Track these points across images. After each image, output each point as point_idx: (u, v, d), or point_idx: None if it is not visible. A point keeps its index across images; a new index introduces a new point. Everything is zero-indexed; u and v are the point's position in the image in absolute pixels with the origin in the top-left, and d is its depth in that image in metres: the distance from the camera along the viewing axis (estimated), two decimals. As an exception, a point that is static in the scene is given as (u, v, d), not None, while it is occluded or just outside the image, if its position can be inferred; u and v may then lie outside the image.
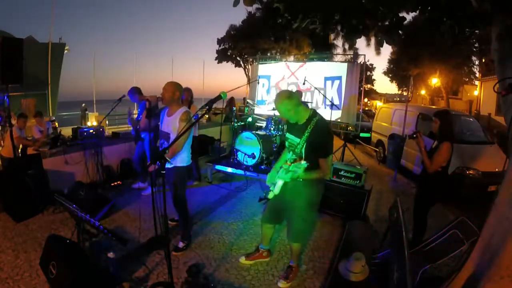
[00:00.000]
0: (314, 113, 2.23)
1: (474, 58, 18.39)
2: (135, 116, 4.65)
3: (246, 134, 4.80)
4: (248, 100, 7.70)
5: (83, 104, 14.33)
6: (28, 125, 5.09)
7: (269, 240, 2.77)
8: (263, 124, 5.87)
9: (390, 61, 23.19)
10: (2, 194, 3.53)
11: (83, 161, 4.40)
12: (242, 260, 2.76)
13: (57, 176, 4.03)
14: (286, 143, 2.40)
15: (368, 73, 27.61)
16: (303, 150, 2.17)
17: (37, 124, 5.25)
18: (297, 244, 2.49)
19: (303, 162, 1.98)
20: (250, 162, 4.68)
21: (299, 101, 2.20)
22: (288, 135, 2.37)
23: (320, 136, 2.13)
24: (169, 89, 2.73)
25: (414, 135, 2.92)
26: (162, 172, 1.92)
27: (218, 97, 2.13)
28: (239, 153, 4.82)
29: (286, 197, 2.33)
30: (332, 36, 9.40)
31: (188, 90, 4.41)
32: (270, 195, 2.25)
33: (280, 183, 2.16)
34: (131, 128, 4.52)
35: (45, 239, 2.48)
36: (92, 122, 12.94)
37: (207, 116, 9.27)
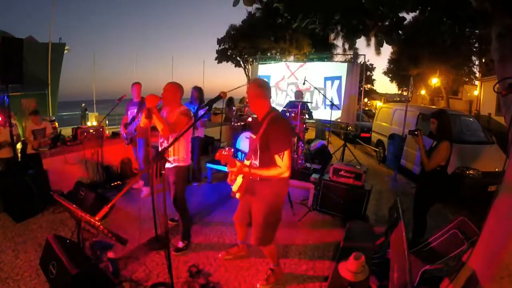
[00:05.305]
0: (272, 109, 2.18)
1: (474, 58, 18.38)
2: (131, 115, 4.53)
3: (246, 134, 4.79)
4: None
5: (83, 104, 14.31)
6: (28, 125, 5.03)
7: (246, 235, 2.70)
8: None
9: (390, 61, 23.17)
10: (2, 194, 3.54)
11: (83, 161, 4.39)
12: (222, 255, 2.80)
13: (57, 176, 4.03)
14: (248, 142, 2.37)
15: (368, 73, 27.61)
16: (258, 146, 2.13)
17: (33, 122, 4.64)
18: (263, 247, 2.37)
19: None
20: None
21: (266, 94, 2.15)
22: (250, 134, 2.35)
23: (273, 132, 2.06)
24: (171, 89, 2.74)
25: (415, 132, 2.97)
26: (162, 172, 1.91)
27: (218, 97, 2.14)
28: (239, 153, 4.82)
29: (249, 197, 2.32)
30: (332, 36, 9.38)
31: (199, 89, 4.60)
32: (234, 189, 2.26)
33: (238, 180, 2.19)
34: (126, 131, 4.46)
35: (45, 239, 2.47)
36: (92, 122, 12.92)
37: (207, 116, 9.29)
